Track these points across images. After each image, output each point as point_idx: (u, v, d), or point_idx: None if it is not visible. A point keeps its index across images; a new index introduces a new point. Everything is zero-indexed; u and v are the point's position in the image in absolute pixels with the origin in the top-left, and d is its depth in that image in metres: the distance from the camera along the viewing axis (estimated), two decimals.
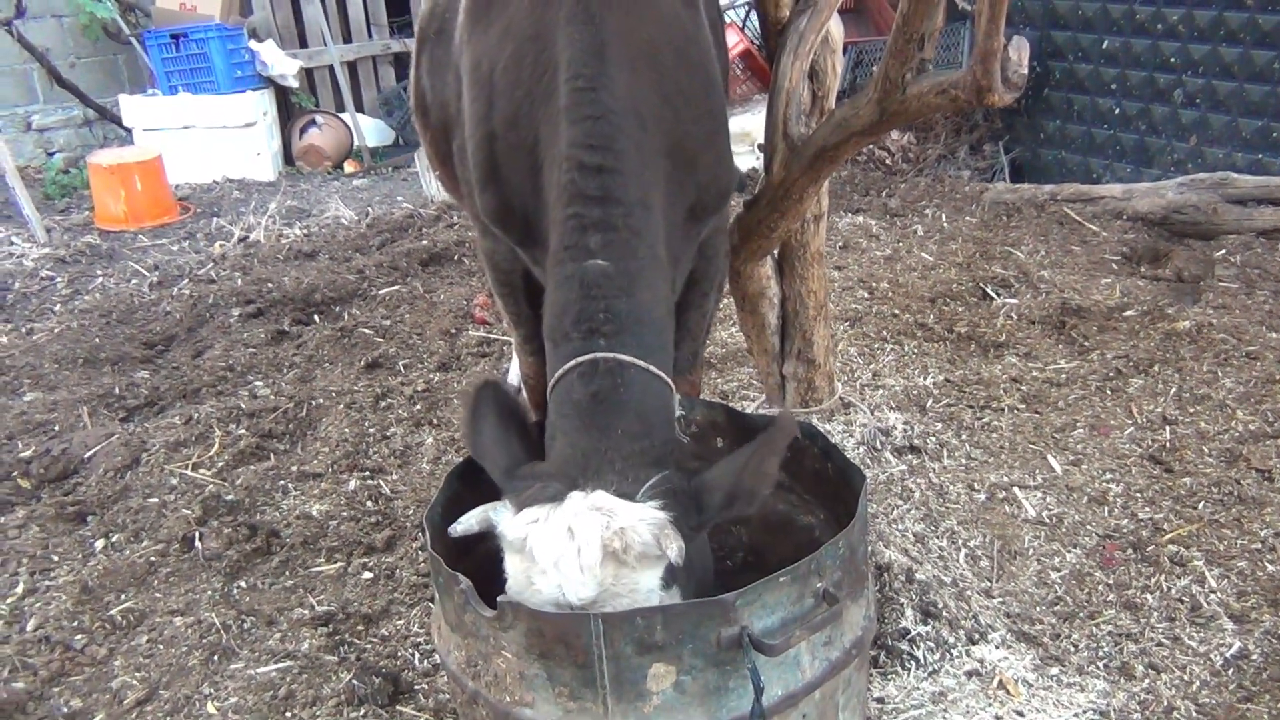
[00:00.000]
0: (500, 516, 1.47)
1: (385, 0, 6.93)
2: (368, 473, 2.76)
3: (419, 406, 3.06)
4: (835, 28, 2.23)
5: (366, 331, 3.64)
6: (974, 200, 4.45)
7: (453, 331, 3.52)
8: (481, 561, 1.87)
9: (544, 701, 1.50)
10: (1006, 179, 4.81)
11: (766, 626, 1.45)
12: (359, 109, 6.74)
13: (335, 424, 3.03)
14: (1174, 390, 2.93)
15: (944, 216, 4.31)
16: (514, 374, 3.06)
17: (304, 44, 6.50)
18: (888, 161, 4.92)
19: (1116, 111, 4.69)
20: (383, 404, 3.11)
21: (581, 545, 1.39)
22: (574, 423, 1.52)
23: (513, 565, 1.46)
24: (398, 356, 3.40)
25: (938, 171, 4.83)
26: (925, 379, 3.06)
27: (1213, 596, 2.15)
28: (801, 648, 1.50)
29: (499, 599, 1.46)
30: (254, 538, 2.51)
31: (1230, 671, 1.97)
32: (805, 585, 1.48)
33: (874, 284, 3.71)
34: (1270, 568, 2.22)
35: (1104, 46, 4.67)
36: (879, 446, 2.69)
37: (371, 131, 6.71)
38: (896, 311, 3.48)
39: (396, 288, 4.00)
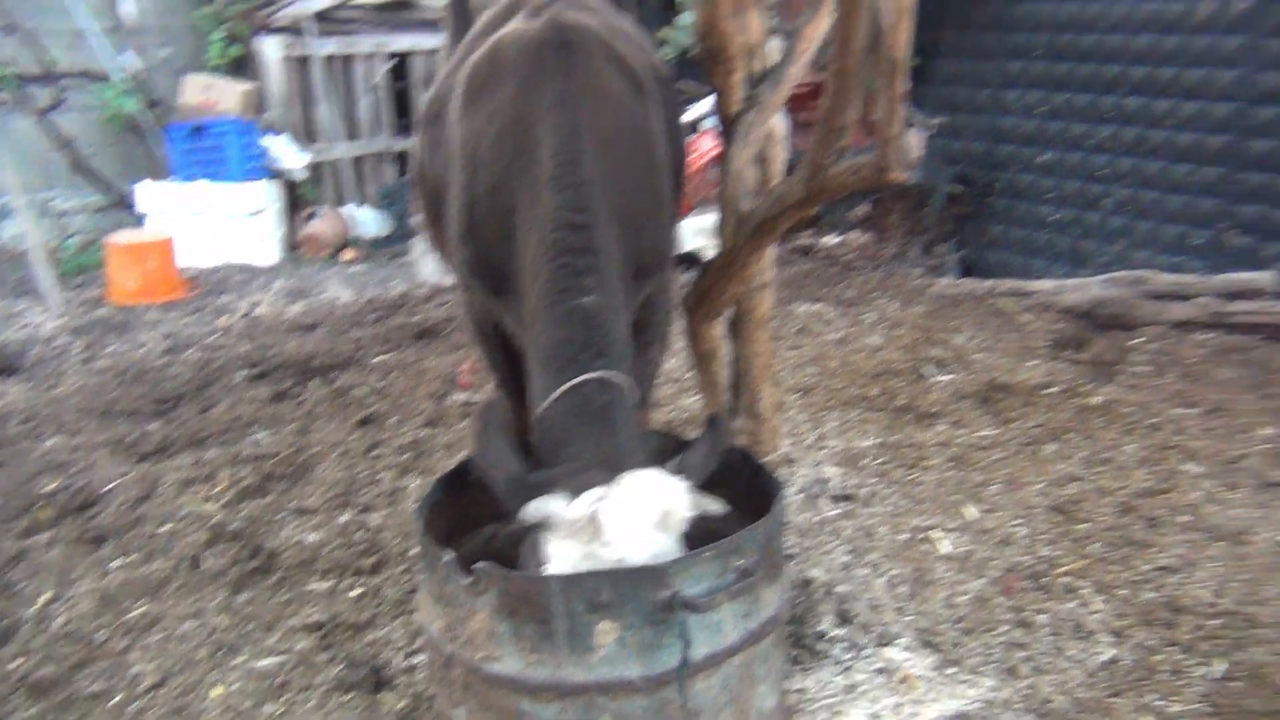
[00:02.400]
0: (555, 505, 1.71)
1: (391, 102, 7.42)
2: (358, 509, 3.08)
3: (406, 456, 3.40)
4: (779, 123, 2.65)
5: (360, 393, 3.98)
6: (921, 293, 4.88)
7: (440, 394, 3.87)
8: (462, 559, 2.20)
9: (510, 655, 1.80)
10: (954, 276, 5.25)
11: (695, 594, 1.76)
12: (361, 201, 7.20)
13: (330, 469, 3.35)
14: (1083, 454, 3.29)
15: (894, 306, 4.72)
16: None
17: (313, 140, 6.98)
18: (847, 259, 5.36)
19: (1054, 218, 5.16)
20: (373, 453, 3.44)
21: (645, 513, 1.70)
22: (591, 428, 1.83)
23: (565, 548, 1.72)
24: (388, 414, 3.74)
25: (891, 268, 5.26)
26: (864, 441, 3.42)
27: (1095, 617, 2.48)
28: (725, 614, 1.81)
29: (475, 566, 1.78)
30: (255, 558, 2.82)
31: (1103, 674, 2.28)
32: (727, 561, 1.79)
33: (826, 362, 4.09)
34: (1147, 595, 2.55)
35: (1043, 159, 5.17)
36: (816, 494, 3.03)
37: (371, 222, 7.14)
38: (843, 385, 3.86)
39: (389, 356, 4.36)
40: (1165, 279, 4.37)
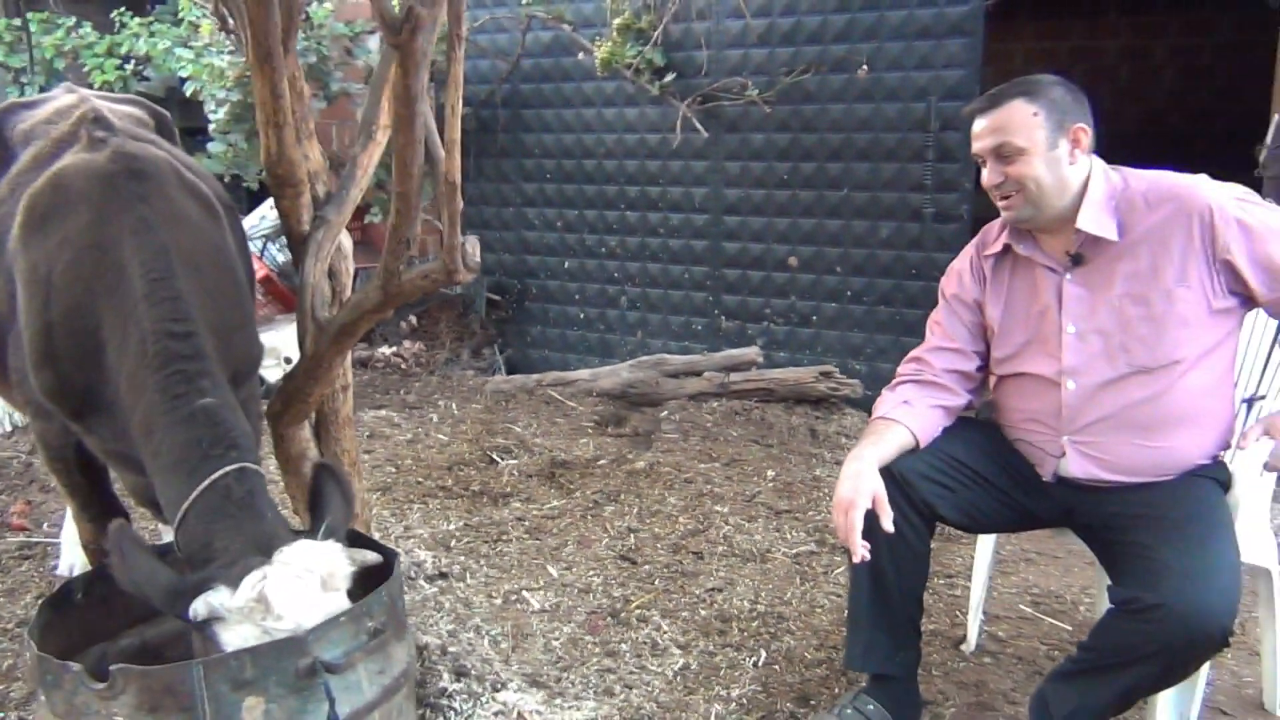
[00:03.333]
0: (219, 597, 1.77)
1: None
2: None
3: None
4: (346, 240, 2.91)
5: None
6: (478, 391, 5.30)
7: None
8: None
9: None
10: (503, 374, 5.73)
11: (333, 657, 1.92)
12: None
13: None
14: (636, 510, 3.82)
15: (454, 405, 5.09)
16: (64, 566, 3.24)
17: None
18: (403, 366, 5.64)
19: (581, 316, 5.85)
20: None
21: (308, 581, 1.81)
22: (238, 518, 1.89)
23: (242, 632, 1.78)
24: None
25: (446, 371, 5.63)
26: (448, 526, 3.69)
27: (666, 636, 2.93)
28: (361, 674, 1.98)
29: (111, 669, 1.79)
30: None
31: (679, 679, 2.72)
32: (360, 624, 1.97)
33: (400, 461, 4.32)
34: (703, 613, 3.06)
35: (565, 266, 5.85)
36: (414, 576, 3.25)
37: None
38: (420, 480, 4.11)
39: None
40: (679, 360, 5.16)
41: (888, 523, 2.10)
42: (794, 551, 3.47)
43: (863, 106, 4.83)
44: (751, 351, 5.09)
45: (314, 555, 1.86)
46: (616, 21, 5.08)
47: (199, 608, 1.78)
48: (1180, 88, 8.34)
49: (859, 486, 2.12)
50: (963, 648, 2.85)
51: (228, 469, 1.93)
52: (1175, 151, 7.19)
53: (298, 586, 1.82)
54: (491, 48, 5.78)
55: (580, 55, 5.40)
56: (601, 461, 4.30)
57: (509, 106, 5.83)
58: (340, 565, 1.90)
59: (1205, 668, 2.23)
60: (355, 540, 2.39)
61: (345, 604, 1.91)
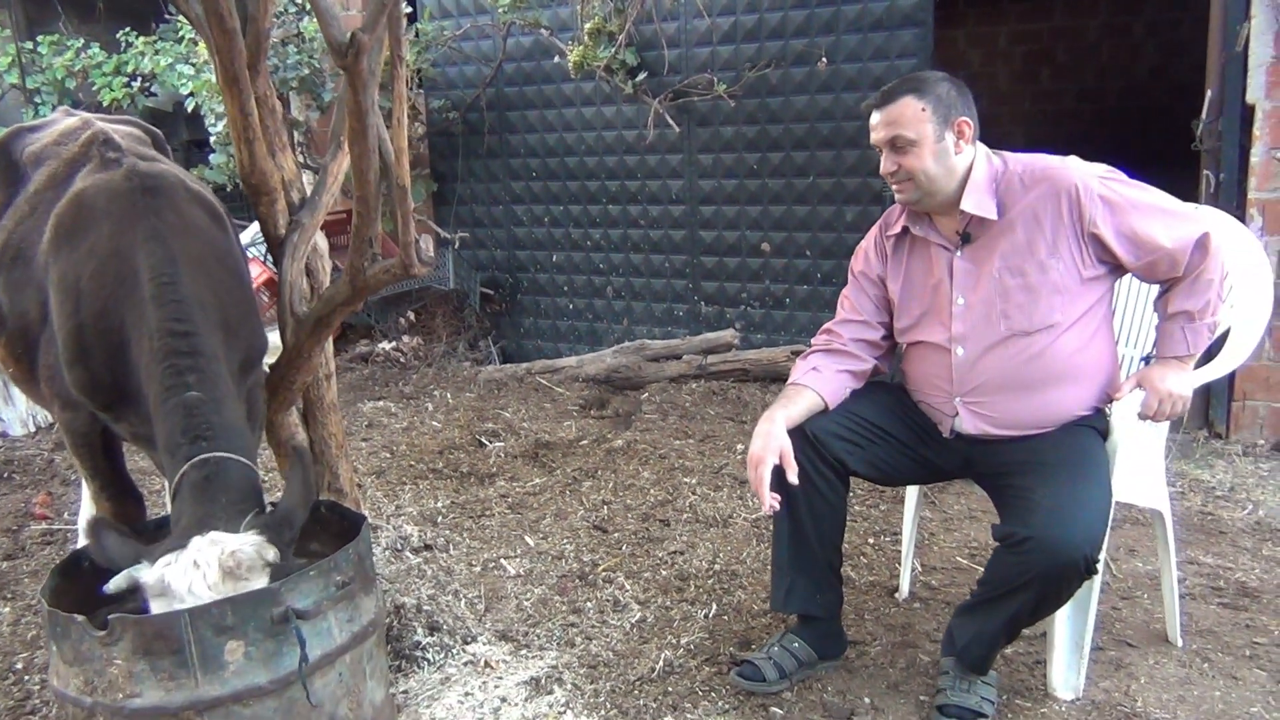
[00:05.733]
0: (141, 572, 2.04)
1: None
2: None
3: None
4: (321, 241, 3.18)
5: None
6: (472, 380, 5.58)
7: (14, 529, 3.87)
8: None
9: (150, 689, 2.09)
10: (497, 364, 6.01)
11: (305, 607, 2.19)
12: None
13: None
14: (611, 485, 4.08)
15: (449, 395, 5.37)
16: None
17: None
18: (402, 360, 5.94)
19: (570, 307, 6.12)
20: None
21: (205, 570, 2.05)
22: (190, 502, 2.15)
23: (155, 607, 2.04)
24: None
25: (442, 364, 5.92)
26: (436, 504, 3.97)
27: (627, 594, 3.19)
28: (331, 620, 2.25)
29: (108, 618, 2.08)
30: None
31: (635, 630, 2.98)
32: (329, 577, 2.24)
33: (395, 448, 4.61)
34: (663, 573, 3.32)
35: (554, 260, 6.12)
36: (400, 548, 3.52)
37: None
38: (413, 464, 4.40)
39: None
40: (660, 344, 5.42)
41: (792, 476, 2.36)
42: (753, 516, 3.73)
43: (824, 97, 5.06)
44: (728, 334, 5.34)
45: (225, 544, 2.07)
46: (587, 25, 5.33)
47: (121, 579, 2.05)
48: (1160, 63, 8.49)
49: (768, 444, 2.38)
50: (896, 596, 3.10)
51: (194, 459, 2.20)
52: (1158, 124, 7.38)
53: (196, 574, 2.04)
54: (475, 54, 6.05)
55: (557, 58, 5.66)
56: (583, 442, 4.57)
57: (494, 109, 6.10)
58: (246, 555, 2.07)
59: (1094, 599, 2.48)
60: (330, 510, 2.69)
61: (254, 588, 2.08)
